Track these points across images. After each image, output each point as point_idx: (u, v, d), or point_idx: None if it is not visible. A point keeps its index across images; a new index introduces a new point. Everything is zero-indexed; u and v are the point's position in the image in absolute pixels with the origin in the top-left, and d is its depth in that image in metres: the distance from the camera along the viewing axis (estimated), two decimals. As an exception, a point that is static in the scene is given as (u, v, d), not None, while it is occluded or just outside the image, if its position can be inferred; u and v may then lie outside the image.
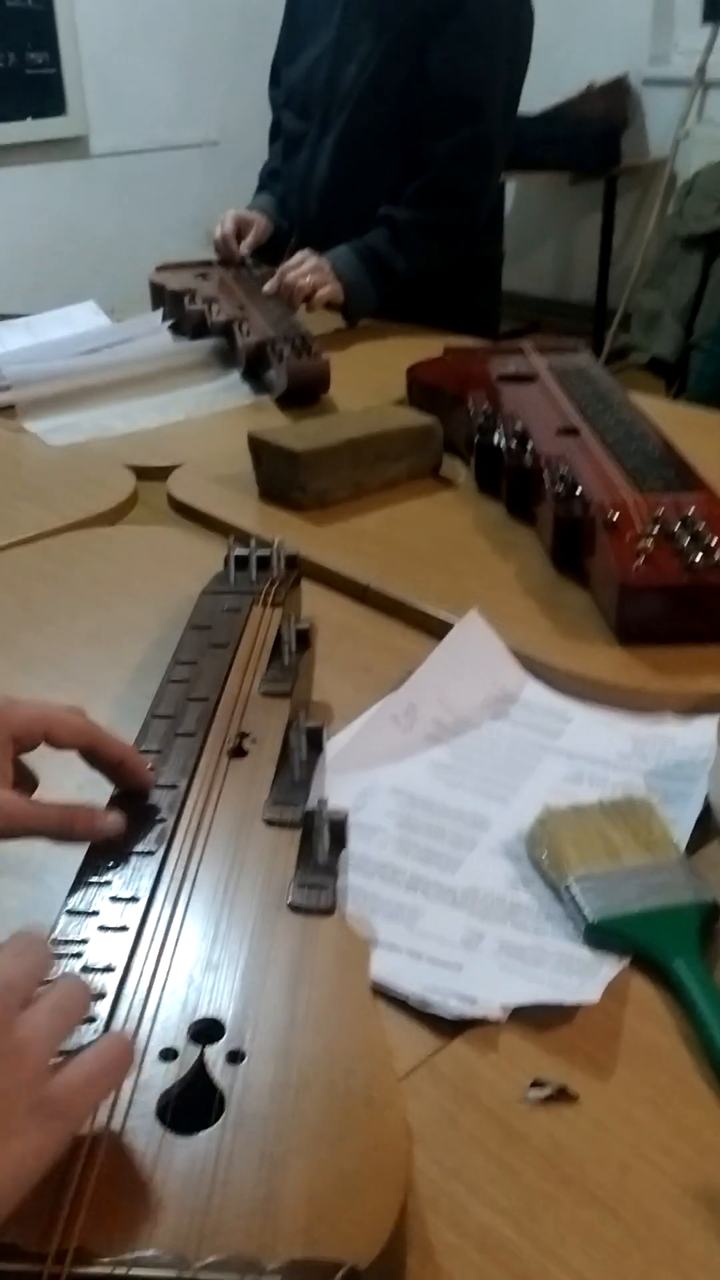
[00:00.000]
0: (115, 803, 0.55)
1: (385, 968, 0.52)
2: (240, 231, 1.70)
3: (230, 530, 0.99)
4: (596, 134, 3.65)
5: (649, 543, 0.76)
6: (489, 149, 1.51)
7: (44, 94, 3.59)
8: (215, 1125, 0.40)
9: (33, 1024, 0.38)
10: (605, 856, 0.57)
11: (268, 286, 1.51)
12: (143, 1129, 0.40)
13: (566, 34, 3.64)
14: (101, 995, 0.44)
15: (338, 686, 0.76)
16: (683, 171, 3.51)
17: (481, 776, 0.67)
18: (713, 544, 0.75)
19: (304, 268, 1.49)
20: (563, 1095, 0.46)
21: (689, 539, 0.76)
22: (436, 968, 0.52)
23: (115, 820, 0.52)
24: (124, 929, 0.48)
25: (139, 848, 0.53)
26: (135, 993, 0.45)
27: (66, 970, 0.45)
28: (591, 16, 3.76)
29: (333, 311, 1.57)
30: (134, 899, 0.50)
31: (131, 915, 0.49)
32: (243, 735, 0.62)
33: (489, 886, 0.58)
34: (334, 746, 0.68)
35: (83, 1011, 0.41)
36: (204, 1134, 0.39)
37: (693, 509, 0.79)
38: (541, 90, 3.58)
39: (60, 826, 0.52)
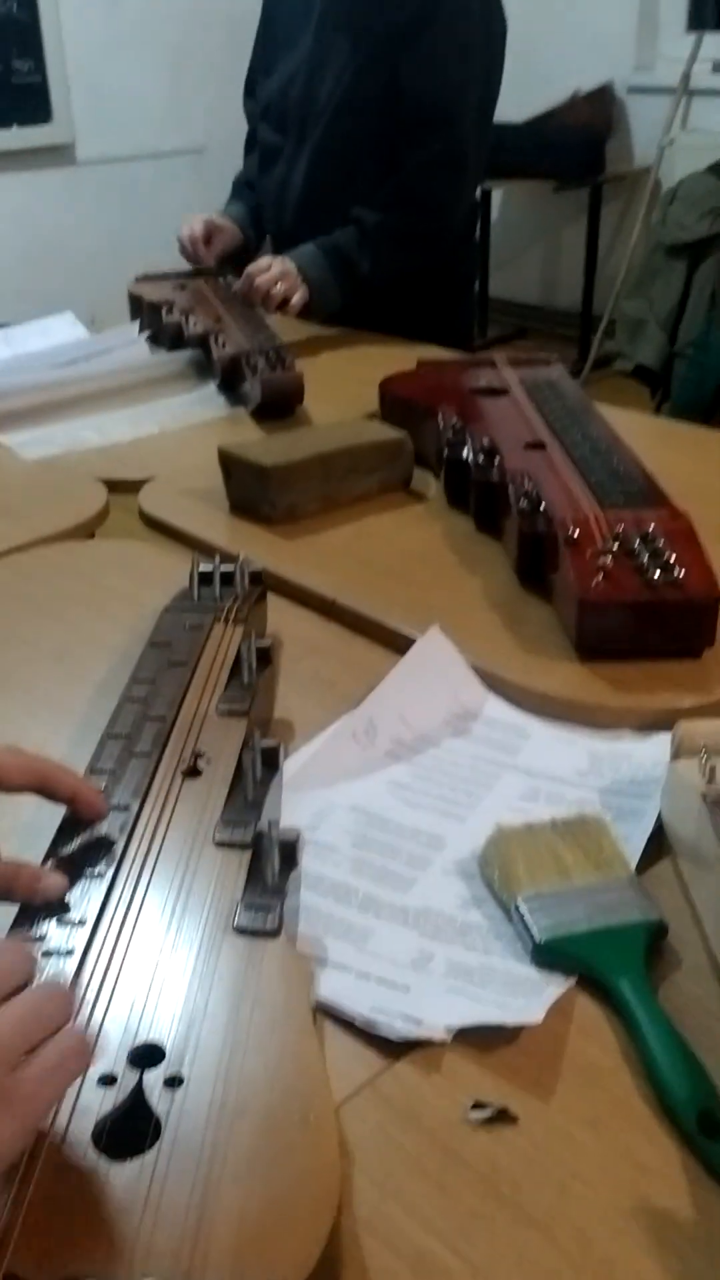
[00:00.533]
0: (65, 827, 0.56)
1: (333, 988, 0.52)
2: (209, 236, 1.71)
3: (200, 545, 1.00)
4: (581, 142, 3.67)
5: (609, 559, 0.76)
6: (462, 159, 1.52)
7: (30, 101, 3.60)
8: (150, 1151, 0.40)
9: (2, 1021, 0.39)
10: (556, 875, 0.57)
11: (236, 286, 1.53)
12: (77, 1154, 0.40)
13: (551, 42, 3.66)
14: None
15: (301, 702, 0.76)
16: (667, 179, 3.53)
17: (439, 795, 0.67)
18: (671, 560, 0.76)
19: (272, 274, 1.51)
20: (503, 1116, 0.46)
21: (648, 555, 0.77)
22: (384, 988, 0.52)
23: (56, 883, 0.51)
24: (69, 953, 0.48)
25: (88, 870, 0.53)
26: (78, 1017, 0.45)
27: (50, 976, 0.46)
28: (576, 25, 3.78)
29: (301, 320, 1.58)
30: (81, 922, 0.50)
31: (78, 938, 0.49)
32: (197, 755, 0.62)
33: (441, 906, 0.58)
34: (294, 764, 0.69)
35: (61, 1016, 0.41)
36: (138, 1160, 0.40)
37: (653, 525, 0.80)
38: (527, 98, 3.61)
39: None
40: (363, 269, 1.53)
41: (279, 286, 1.50)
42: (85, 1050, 0.41)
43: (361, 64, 1.50)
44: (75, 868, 0.53)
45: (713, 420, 2.84)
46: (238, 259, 1.76)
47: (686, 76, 3.59)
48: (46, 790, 0.54)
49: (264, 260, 1.54)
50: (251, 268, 1.54)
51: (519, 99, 3.31)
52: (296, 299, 1.51)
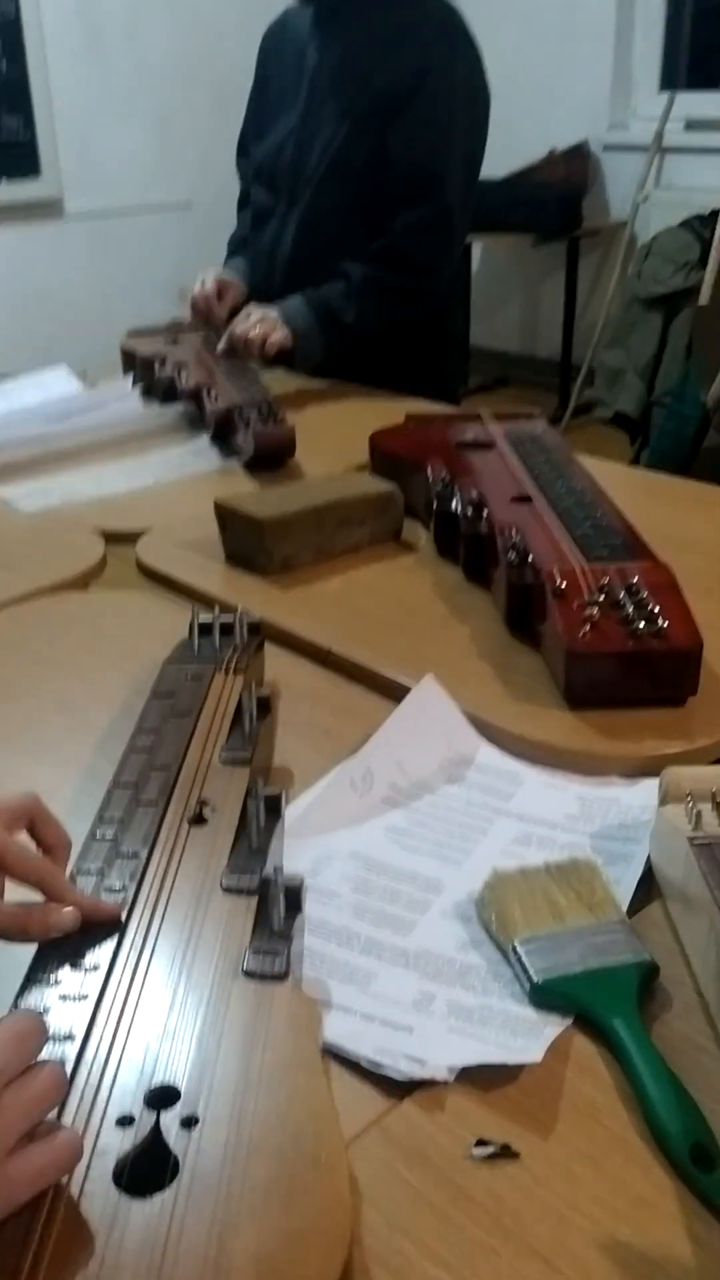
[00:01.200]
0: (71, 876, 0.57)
1: (339, 1030, 0.54)
2: (221, 293, 1.74)
3: (197, 595, 1.02)
4: (558, 198, 3.76)
5: (595, 610, 0.79)
6: (448, 221, 1.57)
7: (19, 157, 3.67)
8: (169, 1188, 0.42)
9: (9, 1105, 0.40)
10: (550, 918, 0.59)
11: (220, 347, 1.56)
12: (99, 1193, 0.41)
13: (529, 102, 3.77)
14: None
15: (299, 750, 0.79)
16: (642, 234, 3.62)
17: (435, 840, 0.69)
18: (655, 611, 0.79)
19: (251, 320, 1.55)
20: (506, 1153, 0.48)
21: (633, 606, 0.80)
22: (388, 1030, 0.54)
23: (70, 915, 0.53)
24: (84, 997, 0.50)
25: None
26: (94, 1060, 0.47)
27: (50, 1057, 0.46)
28: (552, 85, 3.90)
29: (290, 371, 1.61)
30: (94, 967, 0.52)
31: (92, 984, 0.51)
32: (203, 803, 0.64)
33: (440, 948, 0.60)
34: (294, 811, 0.71)
35: (53, 1101, 0.42)
36: (158, 1197, 0.41)
37: (636, 577, 0.83)
38: (505, 155, 3.71)
39: (12, 928, 0.53)
40: (347, 320, 1.57)
41: (257, 330, 1.54)
42: (76, 1156, 0.42)
43: (349, 132, 1.55)
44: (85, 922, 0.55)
45: (691, 467, 2.89)
46: None
47: (659, 135, 3.70)
48: (45, 892, 0.55)
49: (244, 311, 1.58)
50: (233, 324, 1.57)
51: (498, 156, 3.39)
52: (274, 338, 1.55)
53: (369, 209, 1.57)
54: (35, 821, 0.57)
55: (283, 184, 1.66)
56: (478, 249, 4.26)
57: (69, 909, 0.53)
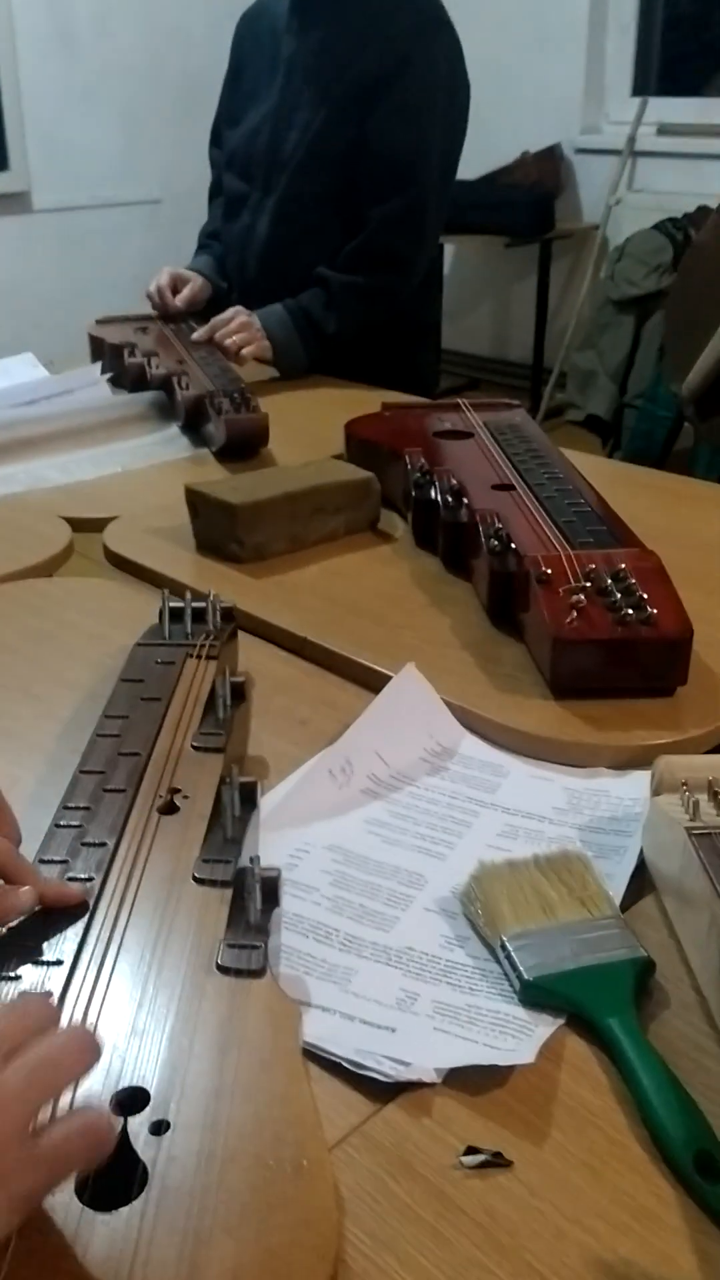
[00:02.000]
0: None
1: (318, 1030, 0.51)
2: (175, 286, 1.72)
3: (167, 583, 0.99)
4: (531, 200, 3.75)
5: (581, 597, 0.77)
6: (422, 216, 1.54)
7: (-14, 150, 3.62)
8: (137, 1201, 0.38)
9: (6, 1089, 0.36)
10: (540, 913, 0.56)
11: (197, 335, 1.53)
12: (60, 1206, 0.38)
13: (502, 105, 3.76)
14: None
15: (274, 740, 0.75)
16: (614, 237, 3.62)
17: (417, 833, 0.66)
18: (643, 598, 0.76)
19: (233, 325, 1.52)
20: (497, 1161, 0.45)
21: (620, 594, 0.77)
22: (370, 1030, 0.51)
23: (27, 894, 0.50)
24: (47, 995, 0.46)
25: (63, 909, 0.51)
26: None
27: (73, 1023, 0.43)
28: (526, 88, 3.89)
29: (270, 367, 1.59)
30: (58, 962, 0.48)
31: (55, 979, 0.47)
32: (174, 791, 0.61)
33: (424, 945, 0.57)
34: (269, 802, 0.67)
35: (83, 1063, 0.39)
36: (125, 1210, 0.38)
37: (623, 564, 0.80)
38: (478, 157, 3.69)
39: None
40: (328, 329, 1.56)
41: (237, 336, 1.51)
42: (106, 1128, 0.38)
43: (327, 117, 1.52)
44: (48, 910, 0.51)
45: (662, 468, 2.89)
46: (210, 309, 1.76)
47: (632, 139, 3.70)
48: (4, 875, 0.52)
49: (229, 312, 1.55)
50: (216, 319, 1.54)
51: (471, 158, 3.37)
52: (249, 350, 1.52)
53: (345, 196, 1.54)
54: None
55: (257, 171, 1.63)
56: (450, 251, 4.24)
57: (25, 888, 0.50)
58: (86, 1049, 0.39)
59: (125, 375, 1.52)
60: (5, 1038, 0.37)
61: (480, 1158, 0.45)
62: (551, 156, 3.90)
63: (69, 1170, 0.37)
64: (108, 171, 3.87)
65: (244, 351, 1.52)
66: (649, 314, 3.11)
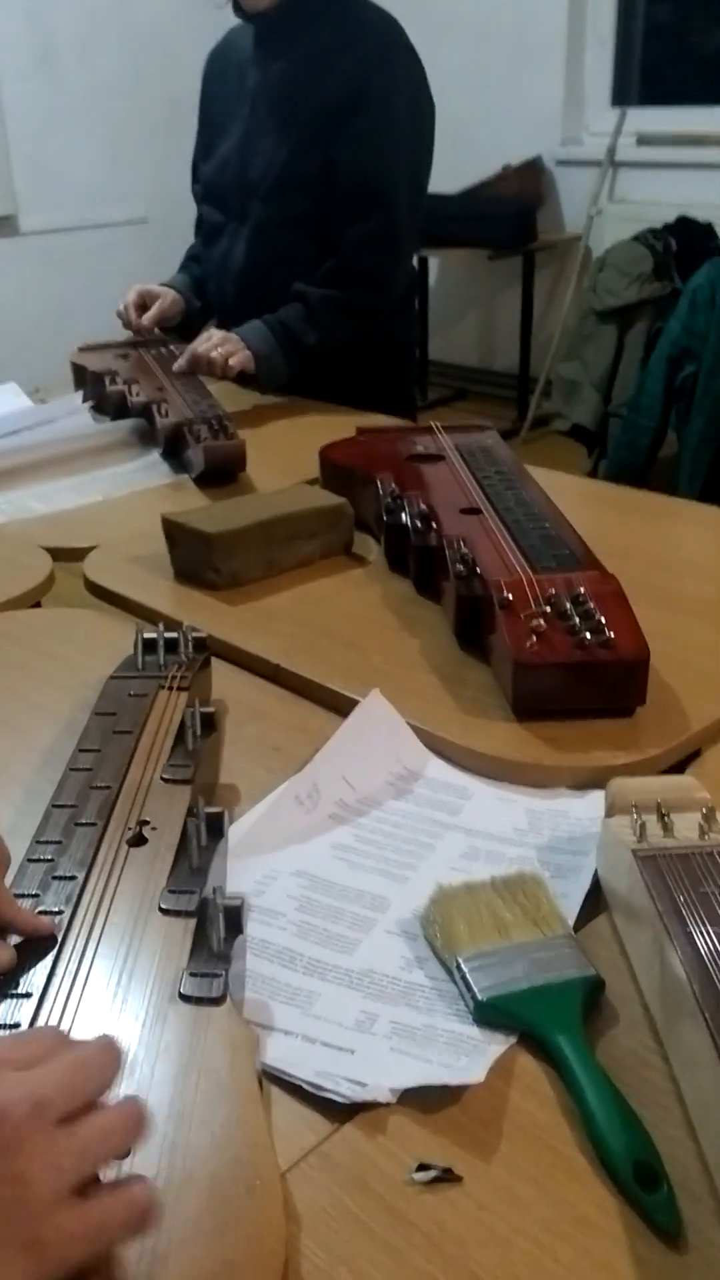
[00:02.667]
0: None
1: (280, 1053, 0.53)
2: (145, 304, 1.75)
3: (145, 612, 1.01)
4: (513, 212, 3.79)
5: (541, 621, 0.79)
6: (396, 234, 1.57)
7: (-29, 174, 3.65)
8: (97, 1223, 0.40)
9: (56, 1149, 0.35)
10: (495, 933, 0.58)
11: (177, 365, 1.55)
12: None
13: (483, 118, 3.80)
14: None
15: (247, 767, 0.78)
16: (596, 248, 3.65)
17: (382, 856, 0.68)
18: (601, 622, 0.78)
19: (213, 341, 1.55)
20: (448, 1176, 0.47)
21: (579, 617, 0.79)
22: (330, 1052, 0.53)
23: (5, 956, 0.52)
24: (16, 1025, 0.49)
25: (33, 943, 0.53)
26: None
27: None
28: (506, 101, 3.93)
29: (247, 388, 1.61)
30: (27, 995, 0.50)
31: (24, 1012, 0.49)
32: (143, 823, 0.63)
33: (384, 967, 0.59)
34: (239, 829, 0.70)
35: (135, 1136, 0.39)
36: (85, 1232, 0.40)
37: (583, 588, 0.82)
38: (460, 170, 3.73)
39: None
40: (308, 341, 1.58)
41: (219, 350, 1.54)
42: (147, 1216, 0.38)
43: (294, 146, 1.55)
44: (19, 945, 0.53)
45: (647, 477, 2.92)
46: (182, 327, 1.79)
47: (612, 150, 3.73)
48: None
49: (206, 333, 1.58)
50: (194, 344, 1.57)
51: (453, 172, 3.43)
52: (235, 360, 1.54)
53: (317, 220, 1.57)
54: None
55: (230, 200, 1.66)
56: (434, 263, 4.28)
57: (5, 950, 0.52)
58: (139, 1123, 0.39)
59: (106, 403, 1.54)
60: (47, 1105, 0.37)
61: (431, 1174, 0.47)
62: (533, 168, 3.94)
63: (109, 1244, 0.37)
64: (93, 192, 3.90)
65: (231, 361, 1.54)
66: (631, 324, 3.13)
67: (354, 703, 0.81)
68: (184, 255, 1.88)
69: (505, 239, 3.78)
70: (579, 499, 1.07)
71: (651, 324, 3.09)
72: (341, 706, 0.83)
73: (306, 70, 1.53)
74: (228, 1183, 0.42)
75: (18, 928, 0.53)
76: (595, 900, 0.64)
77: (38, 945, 0.53)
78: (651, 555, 1.10)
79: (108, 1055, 0.41)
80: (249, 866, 0.67)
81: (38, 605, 1.07)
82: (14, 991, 0.50)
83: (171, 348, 1.69)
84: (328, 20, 1.52)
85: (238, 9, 1.58)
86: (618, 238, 3.33)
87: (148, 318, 1.75)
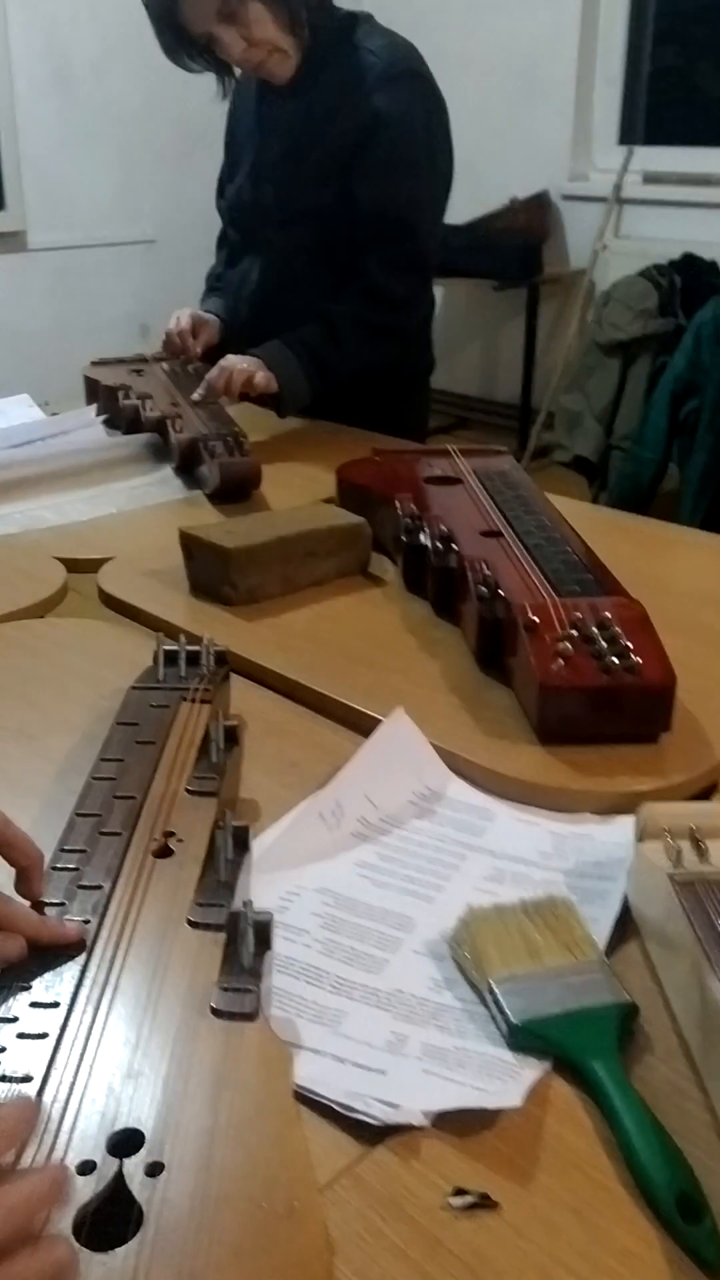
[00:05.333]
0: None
1: (309, 1073, 0.52)
2: (195, 330, 1.73)
3: (161, 625, 1.00)
4: (519, 245, 3.82)
5: (568, 645, 0.78)
6: (421, 258, 1.56)
7: (-18, 189, 3.67)
8: (133, 1241, 0.39)
9: None
10: (527, 957, 0.58)
11: (196, 394, 1.49)
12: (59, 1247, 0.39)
13: (491, 152, 3.84)
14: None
15: (266, 783, 0.77)
16: (601, 282, 3.69)
17: (406, 876, 0.68)
18: (628, 647, 0.78)
19: (231, 361, 1.49)
20: (485, 1203, 0.46)
21: (605, 642, 0.79)
22: (360, 1072, 0.52)
23: (13, 946, 0.52)
24: (44, 1036, 0.48)
25: (61, 950, 0.52)
26: (54, 1103, 0.44)
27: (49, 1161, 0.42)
28: (514, 136, 3.97)
29: (266, 409, 1.60)
30: (55, 1004, 0.49)
31: (52, 1021, 0.48)
32: (169, 834, 0.62)
33: (413, 988, 0.58)
34: (261, 844, 0.69)
35: (54, 1204, 0.39)
36: (121, 1250, 0.39)
37: (608, 613, 0.82)
38: (468, 203, 3.76)
39: None
40: (331, 360, 1.54)
41: (236, 375, 1.48)
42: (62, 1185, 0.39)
43: (305, 179, 1.56)
44: (45, 949, 0.52)
45: (649, 510, 2.93)
46: (219, 351, 1.78)
47: (618, 187, 3.78)
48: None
49: (221, 363, 1.51)
50: (209, 377, 1.50)
51: (460, 203, 3.44)
52: (260, 376, 1.48)
53: (329, 251, 1.57)
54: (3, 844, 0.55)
55: (246, 225, 1.67)
56: (440, 293, 4.28)
57: (15, 937, 0.52)
58: (58, 1191, 0.39)
59: (120, 417, 1.54)
60: None
61: (468, 1199, 0.46)
62: (540, 203, 3.97)
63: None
64: (103, 211, 3.92)
65: (256, 381, 1.47)
66: (634, 358, 3.16)
67: (373, 720, 0.80)
68: (208, 277, 1.87)
69: (511, 271, 3.82)
70: (590, 526, 1.07)
71: (654, 359, 3.11)
72: (360, 724, 0.82)
73: (320, 107, 1.54)
74: (265, 1205, 0.41)
75: (42, 940, 0.52)
76: (624, 926, 0.63)
77: (66, 951, 0.52)
78: (665, 584, 1.10)
79: (23, 1112, 0.41)
80: (271, 882, 0.66)
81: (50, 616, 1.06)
82: (42, 1001, 0.49)
83: (190, 366, 1.69)
84: (340, 57, 1.53)
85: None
86: (622, 273, 3.36)
87: (200, 344, 1.71)
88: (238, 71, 1.60)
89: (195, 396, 1.46)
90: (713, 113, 3.75)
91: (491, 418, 4.26)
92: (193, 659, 0.82)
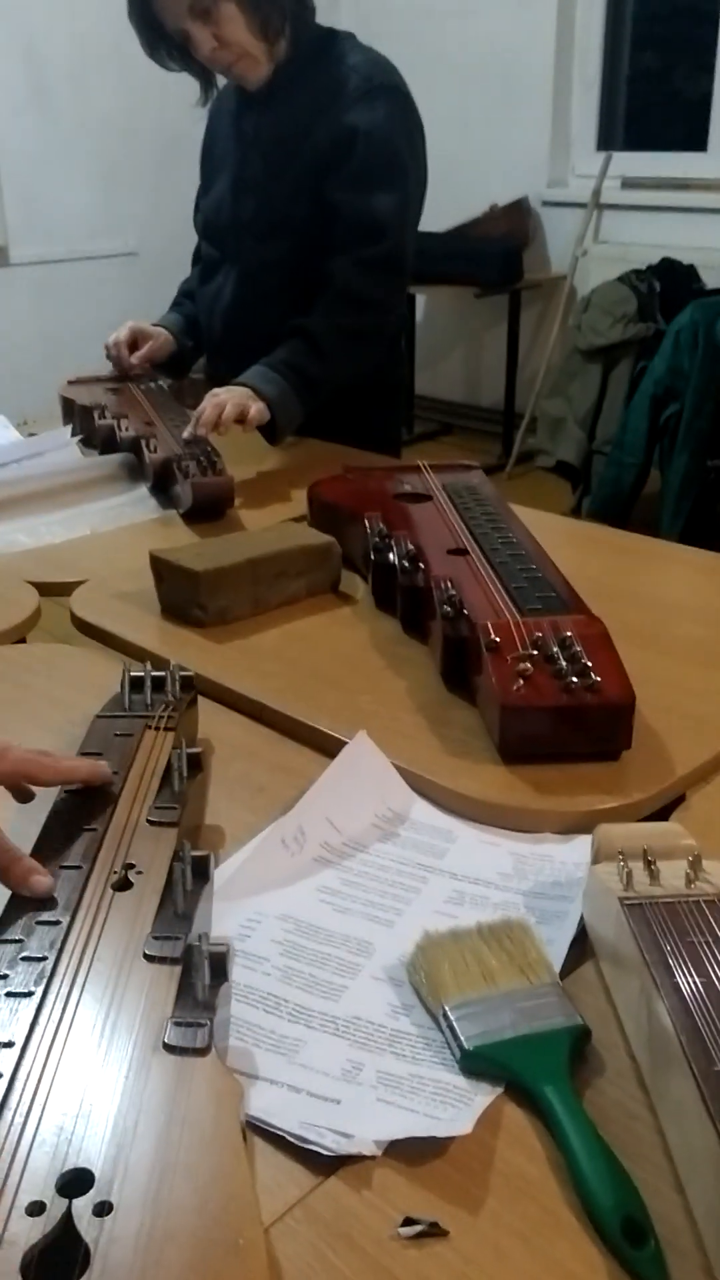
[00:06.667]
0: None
1: (264, 1103, 0.52)
2: (136, 343, 1.74)
3: (132, 649, 1.01)
4: (500, 251, 3.84)
5: (528, 664, 0.79)
6: (396, 260, 1.56)
7: (-38, 205, 3.67)
8: (79, 1281, 0.40)
9: None
10: (482, 981, 0.58)
11: (186, 433, 1.43)
12: (4, 1289, 0.39)
13: (471, 159, 3.86)
14: None
15: (231, 808, 0.77)
16: (581, 287, 3.70)
17: (367, 900, 0.68)
18: (588, 665, 0.79)
19: (219, 399, 1.44)
20: (434, 1231, 0.47)
21: (566, 660, 0.80)
22: (315, 1102, 0.53)
23: (45, 882, 0.60)
24: (-2, 1076, 0.48)
25: (17, 989, 0.53)
26: (5, 1143, 0.45)
27: None
28: (494, 143, 3.99)
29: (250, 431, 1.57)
30: (9, 1044, 0.50)
31: (6, 1062, 0.49)
32: (128, 866, 0.62)
33: (371, 1014, 0.59)
34: (224, 872, 0.69)
35: None
36: (67, 1291, 0.39)
37: (569, 631, 0.83)
38: (448, 210, 3.78)
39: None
40: (317, 375, 1.52)
41: (231, 407, 1.42)
42: None
43: (283, 191, 1.57)
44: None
45: (631, 514, 2.94)
46: (171, 365, 1.80)
47: (597, 192, 3.79)
48: (32, 781, 0.64)
49: (210, 394, 1.47)
50: (198, 410, 1.45)
51: (441, 210, 3.47)
52: (254, 410, 1.44)
53: (305, 263, 1.58)
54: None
55: (223, 238, 1.68)
56: (421, 300, 4.33)
57: (48, 876, 0.60)
58: None
59: (95, 437, 1.54)
60: None
61: (417, 1228, 0.47)
62: (519, 209, 3.99)
63: None
64: (84, 225, 3.93)
65: (250, 416, 1.43)
66: (615, 363, 3.17)
67: (340, 743, 0.81)
68: (177, 290, 1.89)
69: (492, 277, 3.83)
70: (564, 539, 1.08)
71: (635, 363, 3.13)
72: (327, 747, 0.83)
73: (297, 121, 1.55)
74: (211, 1240, 0.42)
75: (79, 776, 0.67)
76: (581, 947, 0.63)
77: (22, 990, 0.52)
78: (636, 596, 1.10)
79: None
80: (233, 910, 0.66)
81: (23, 640, 1.07)
82: (-4, 1040, 0.50)
83: (161, 383, 1.70)
84: (319, 70, 1.54)
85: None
86: (602, 278, 3.37)
87: (137, 357, 1.74)
88: (221, 81, 1.61)
89: (185, 435, 1.41)
90: (690, 118, 3.77)
91: (476, 423, 4.28)
92: (159, 684, 0.82)
